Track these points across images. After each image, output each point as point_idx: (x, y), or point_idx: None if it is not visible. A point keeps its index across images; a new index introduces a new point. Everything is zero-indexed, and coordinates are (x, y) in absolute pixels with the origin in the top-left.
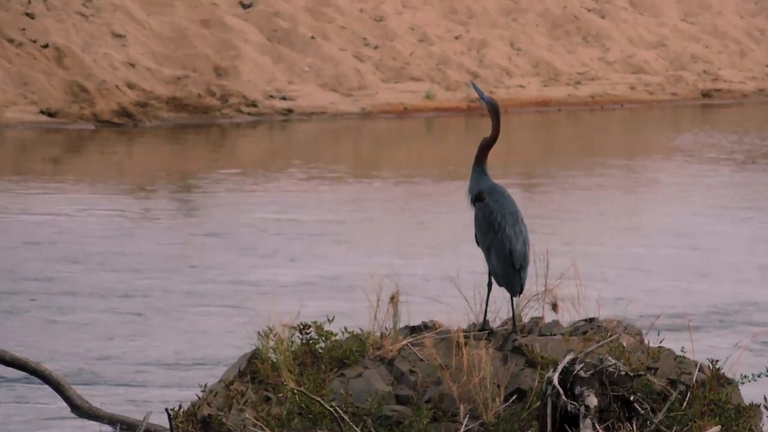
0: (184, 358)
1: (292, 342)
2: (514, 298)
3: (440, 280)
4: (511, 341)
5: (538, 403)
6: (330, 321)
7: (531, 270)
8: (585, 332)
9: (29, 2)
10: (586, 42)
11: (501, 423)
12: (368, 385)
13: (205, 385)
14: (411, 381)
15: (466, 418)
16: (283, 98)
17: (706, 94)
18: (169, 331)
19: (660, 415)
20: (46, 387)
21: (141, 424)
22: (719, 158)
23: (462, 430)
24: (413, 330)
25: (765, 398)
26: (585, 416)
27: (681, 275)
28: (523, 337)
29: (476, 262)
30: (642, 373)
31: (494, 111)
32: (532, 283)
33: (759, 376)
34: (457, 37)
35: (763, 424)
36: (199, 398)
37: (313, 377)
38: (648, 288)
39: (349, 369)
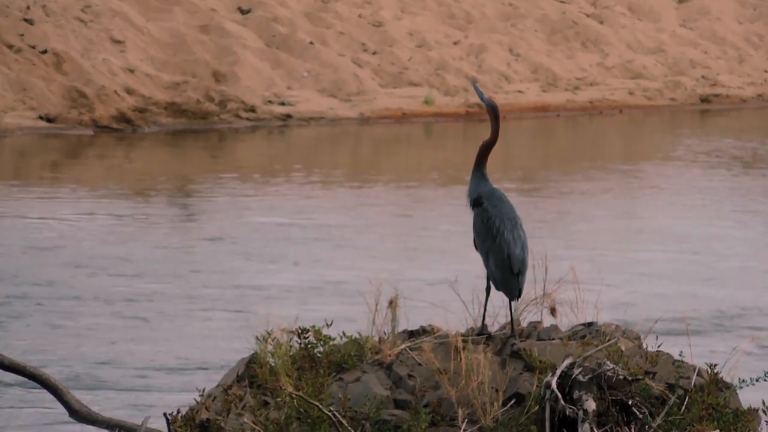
0: (188, 363)
1: (291, 346)
2: (513, 303)
3: (439, 285)
4: (509, 345)
5: (537, 408)
6: (328, 325)
7: (529, 274)
8: (583, 336)
9: (28, 8)
10: (584, 47)
11: (499, 427)
12: (367, 389)
13: (203, 390)
14: (409, 385)
15: (465, 423)
16: (282, 103)
17: (704, 100)
18: (173, 336)
19: (658, 420)
20: (45, 392)
21: (139, 428)
22: (719, 163)
23: None
24: (412, 334)
25: (763, 403)
26: (583, 420)
27: (682, 280)
28: (521, 341)
29: (475, 266)
30: (640, 377)
31: (493, 112)
32: (530, 288)
33: (757, 380)
34: (455, 43)
35: (761, 429)
36: (197, 402)
37: (311, 381)
38: (649, 292)
39: (347, 373)
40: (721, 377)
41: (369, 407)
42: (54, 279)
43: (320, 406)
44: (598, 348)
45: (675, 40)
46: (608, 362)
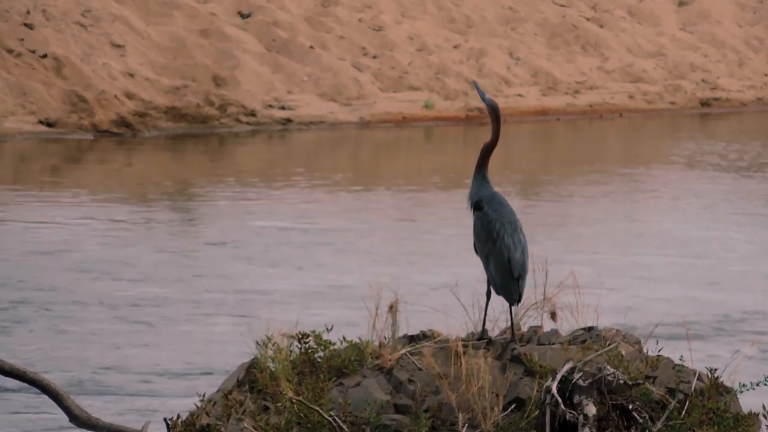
0: (192, 368)
1: (291, 351)
2: (513, 307)
3: (439, 289)
4: (509, 350)
5: (537, 412)
6: (329, 330)
7: (530, 279)
8: (584, 341)
9: (28, 12)
10: (584, 51)
11: None
12: (367, 394)
13: (204, 395)
14: (409, 390)
15: (465, 428)
16: (282, 108)
17: (704, 103)
18: (177, 341)
19: (659, 424)
20: (46, 397)
21: None
22: (720, 167)
23: None
24: (412, 339)
25: (764, 407)
26: (584, 425)
27: (683, 284)
28: (521, 346)
29: (476, 270)
30: (641, 381)
31: (494, 113)
32: (530, 292)
33: (757, 384)
34: (455, 47)
35: None
36: (197, 408)
37: (311, 386)
38: (650, 297)
39: (347, 378)
40: (722, 381)
41: (369, 412)
42: (57, 284)
43: (320, 411)
44: (599, 352)
45: (675, 44)
46: (609, 367)
